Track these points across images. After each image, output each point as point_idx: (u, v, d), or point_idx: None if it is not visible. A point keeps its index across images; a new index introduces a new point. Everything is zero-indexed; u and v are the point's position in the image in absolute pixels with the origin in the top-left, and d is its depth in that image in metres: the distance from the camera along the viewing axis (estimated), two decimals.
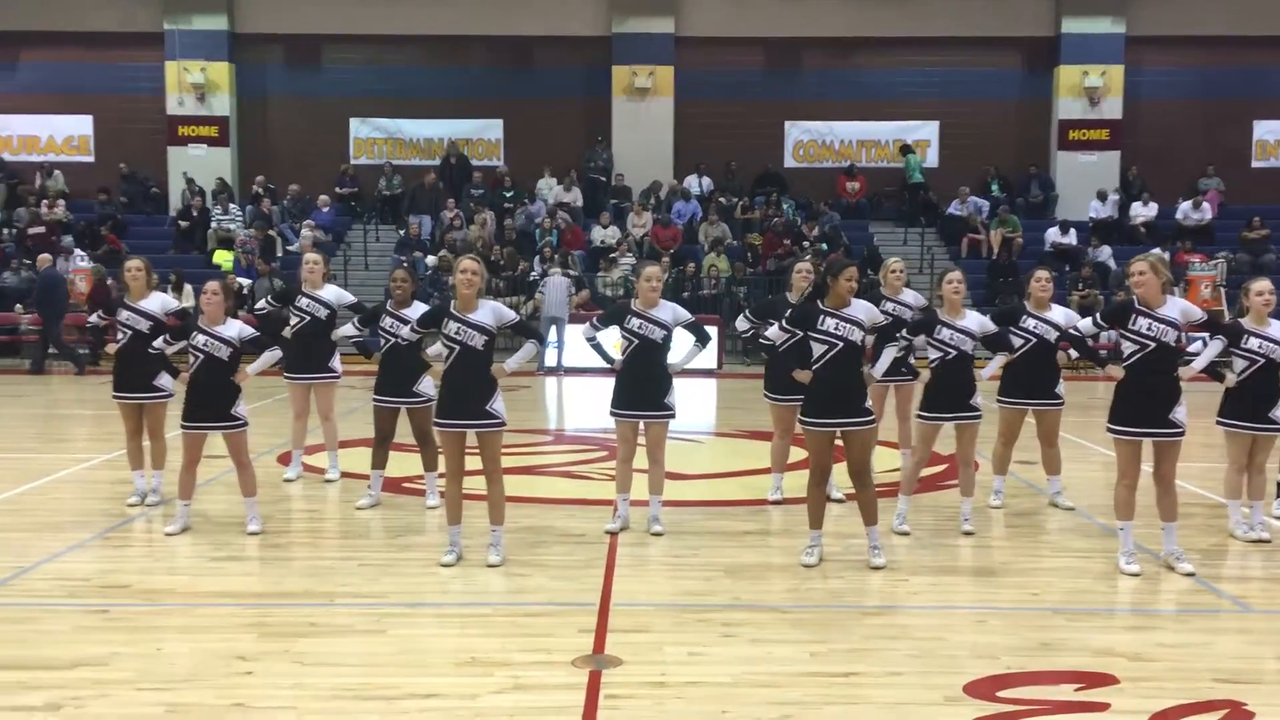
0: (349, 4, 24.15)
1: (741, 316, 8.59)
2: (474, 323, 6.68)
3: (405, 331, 8.05)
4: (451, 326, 6.69)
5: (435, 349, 7.00)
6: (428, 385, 8.20)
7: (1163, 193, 23.65)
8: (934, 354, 7.65)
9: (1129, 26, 24.18)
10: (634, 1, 24.35)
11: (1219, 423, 7.52)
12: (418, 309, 8.14)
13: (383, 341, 8.33)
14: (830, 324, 6.66)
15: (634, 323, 7.51)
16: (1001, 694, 4.89)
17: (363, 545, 7.51)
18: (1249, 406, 7.32)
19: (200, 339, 7.45)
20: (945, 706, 4.78)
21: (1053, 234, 22.77)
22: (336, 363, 9.18)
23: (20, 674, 5.06)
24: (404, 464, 9.31)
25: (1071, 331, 7.47)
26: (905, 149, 24.43)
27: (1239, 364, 7.36)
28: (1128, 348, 6.62)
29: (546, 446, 11.82)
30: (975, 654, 5.37)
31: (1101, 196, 23.62)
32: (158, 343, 7.87)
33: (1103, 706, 4.74)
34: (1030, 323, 8.08)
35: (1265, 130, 24.90)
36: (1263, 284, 7.42)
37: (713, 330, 19.11)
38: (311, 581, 6.63)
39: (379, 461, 8.45)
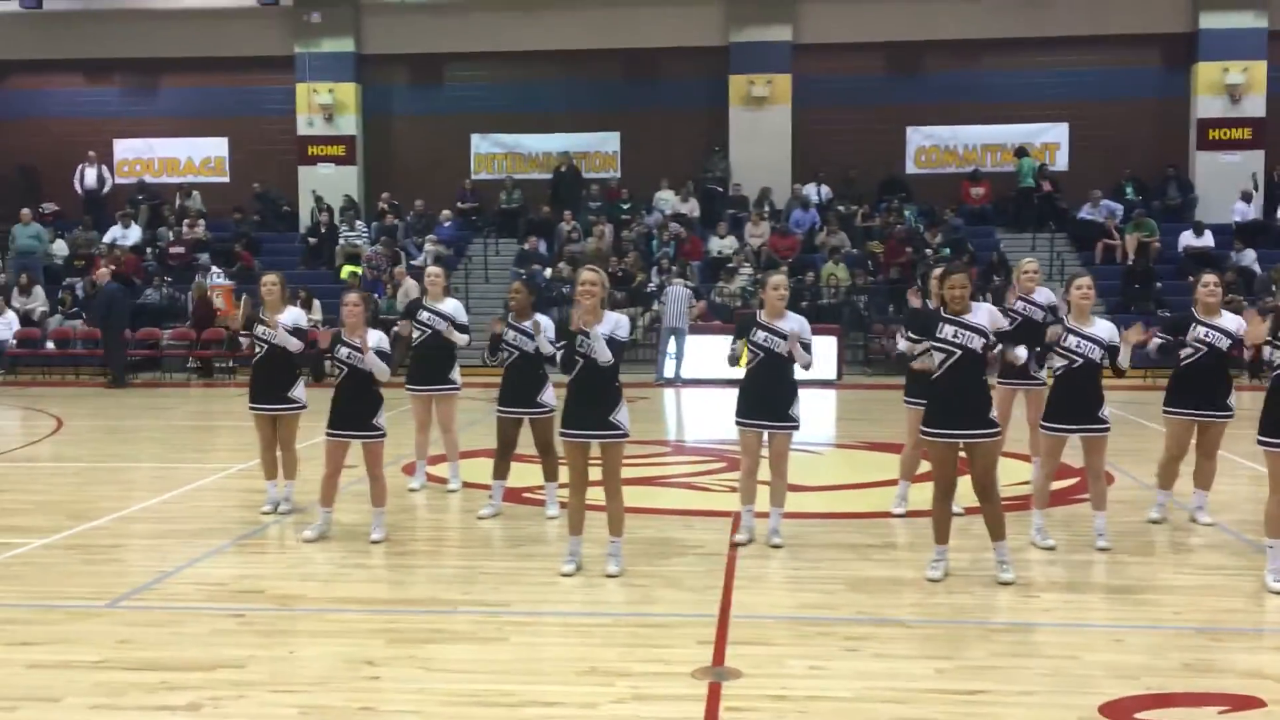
0: (468, 23, 24.64)
1: (900, 338, 8.25)
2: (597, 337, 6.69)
3: (529, 344, 8.13)
4: (576, 340, 6.73)
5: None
6: (550, 395, 8.28)
7: None
8: (1059, 362, 7.38)
9: (1271, 21, 23.07)
10: (752, 11, 24.27)
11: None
12: (537, 319, 8.23)
13: (505, 354, 8.42)
14: (949, 331, 6.49)
15: (760, 335, 7.44)
16: (1140, 715, 4.68)
17: (485, 554, 7.61)
18: None
19: (343, 350, 7.66)
20: None
21: (1187, 237, 21.86)
22: (457, 374, 9.34)
23: (164, 674, 5.26)
24: (525, 474, 9.41)
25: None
26: (1020, 151, 23.76)
27: None
28: None
29: (666, 457, 11.82)
30: (1112, 674, 5.16)
31: (1246, 197, 22.58)
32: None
33: None
34: (1200, 330, 7.73)
35: None
36: None
37: (831, 340, 18.92)
38: (436, 589, 6.75)
39: (501, 472, 8.55)
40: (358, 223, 23.91)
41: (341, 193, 24.76)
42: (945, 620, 6.04)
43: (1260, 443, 6.37)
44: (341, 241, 23.54)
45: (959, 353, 6.50)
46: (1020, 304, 8.64)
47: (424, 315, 9.21)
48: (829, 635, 5.76)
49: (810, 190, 24.10)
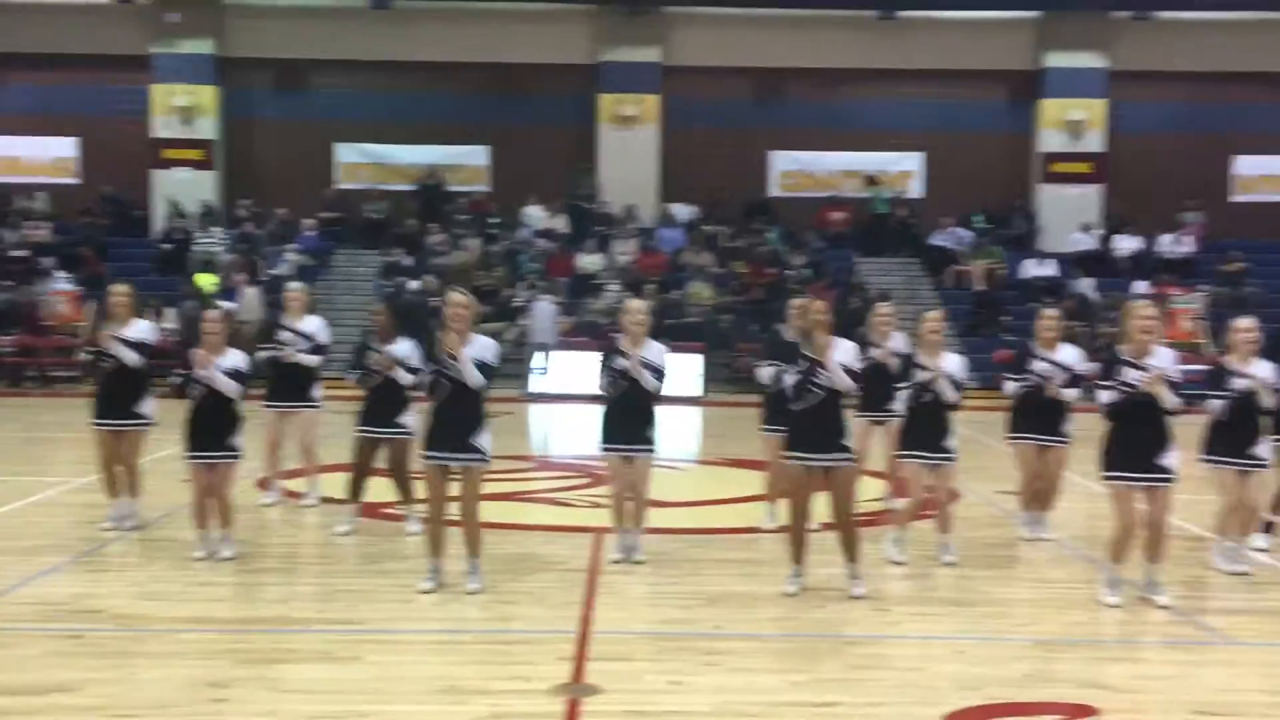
0: (336, 30, 24.21)
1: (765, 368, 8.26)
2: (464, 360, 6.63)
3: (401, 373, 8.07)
4: (445, 364, 6.65)
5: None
6: (410, 419, 8.19)
7: (1145, 225, 23.82)
8: (910, 396, 7.65)
9: (1111, 61, 24.42)
10: (621, 31, 24.49)
11: (1202, 460, 7.50)
12: (403, 345, 8.16)
13: (368, 378, 8.29)
14: (816, 372, 6.66)
15: (620, 363, 7.46)
16: None
17: (340, 571, 7.45)
18: (1232, 443, 7.29)
19: (201, 371, 7.41)
20: None
21: (1029, 265, 22.91)
22: (317, 391, 9.15)
23: None
24: (384, 490, 9.24)
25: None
26: (870, 180, 24.57)
27: (1215, 406, 7.29)
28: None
29: (530, 473, 11.77)
30: (957, 685, 5.34)
31: (1085, 228, 23.78)
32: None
33: None
34: (1039, 365, 8.06)
35: (1245, 165, 25.14)
36: (1247, 322, 7.40)
37: (696, 358, 19.17)
38: (288, 608, 6.57)
39: (357, 492, 8.41)
40: (215, 230, 23.17)
41: (198, 198, 23.97)
42: (801, 634, 6.17)
43: (1103, 475, 6.65)
44: (197, 249, 22.78)
45: (824, 393, 6.64)
46: (876, 351, 8.80)
47: (284, 336, 8.99)
48: (689, 650, 5.81)
49: (678, 210, 24.40)
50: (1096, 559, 7.84)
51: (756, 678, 5.43)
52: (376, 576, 7.25)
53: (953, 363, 7.61)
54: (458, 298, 6.71)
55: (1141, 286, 21.14)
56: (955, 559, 7.59)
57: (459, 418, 6.64)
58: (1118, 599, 6.67)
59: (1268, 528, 8.14)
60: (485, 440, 6.70)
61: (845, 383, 6.66)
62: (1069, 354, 8.12)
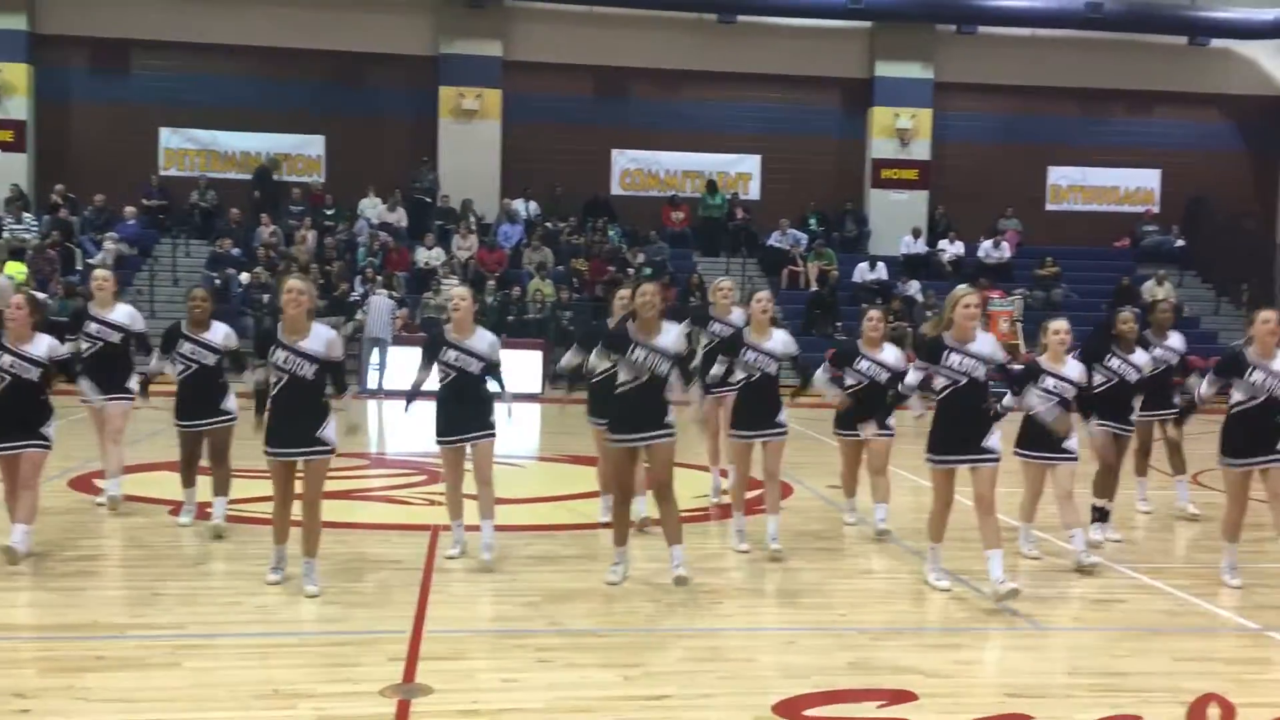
0: (160, 9, 23.11)
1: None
2: (304, 351, 6.45)
3: (209, 357, 7.84)
4: (279, 355, 6.45)
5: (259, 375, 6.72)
6: (232, 403, 7.97)
7: (967, 231, 24.93)
8: (740, 376, 7.80)
9: (936, 73, 25.46)
10: (462, 24, 24.21)
11: (1016, 453, 7.84)
12: (218, 330, 7.94)
13: (181, 368, 7.99)
14: (639, 355, 6.70)
15: (450, 355, 7.36)
16: (808, 713, 4.99)
17: (159, 574, 7.11)
18: (1044, 438, 7.62)
19: (5, 359, 6.97)
20: None
21: (862, 269, 23.69)
22: (134, 384, 8.70)
23: None
24: (207, 489, 8.89)
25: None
26: (710, 187, 24.99)
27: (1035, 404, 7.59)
28: (940, 381, 6.82)
29: (365, 470, 11.52)
30: (784, 674, 5.48)
31: (916, 234, 24.72)
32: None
33: None
34: (863, 364, 8.31)
35: (1058, 175, 26.60)
36: (1059, 323, 7.79)
37: (536, 355, 19.11)
38: (100, 613, 6.25)
39: (189, 479, 8.21)
40: (25, 215, 21.86)
41: (8, 182, 22.56)
42: (634, 629, 6.22)
43: (928, 459, 6.90)
44: (6, 235, 21.44)
45: (646, 377, 6.69)
46: (718, 325, 8.98)
47: (92, 328, 8.52)
48: (523, 647, 5.79)
49: (519, 205, 24.28)
50: (920, 550, 8.16)
51: (589, 673, 5.44)
52: (197, 579, 6.98)
53: (781, 339, 7.80)
54: (294, 283, 6.52)
55: (963, 289, 22.09)
56: (779, 546, 7.72)
57: (301, 411, 6.46)
58: (947, 583, 6.93)
59: (1101, 515, 8.56)
60: (330, 432, 6.56)
61: (664, 365, 6.69)
62: (891, 354, 8.41)
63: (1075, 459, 7.71)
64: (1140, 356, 8.50)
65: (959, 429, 6.73)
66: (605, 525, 8.53)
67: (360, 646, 5.73)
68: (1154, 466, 9.75)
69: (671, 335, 6.81)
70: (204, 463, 8.24)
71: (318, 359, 6.50)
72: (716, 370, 8.04)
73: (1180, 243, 25.72)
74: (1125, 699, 5.25)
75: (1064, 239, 25.50)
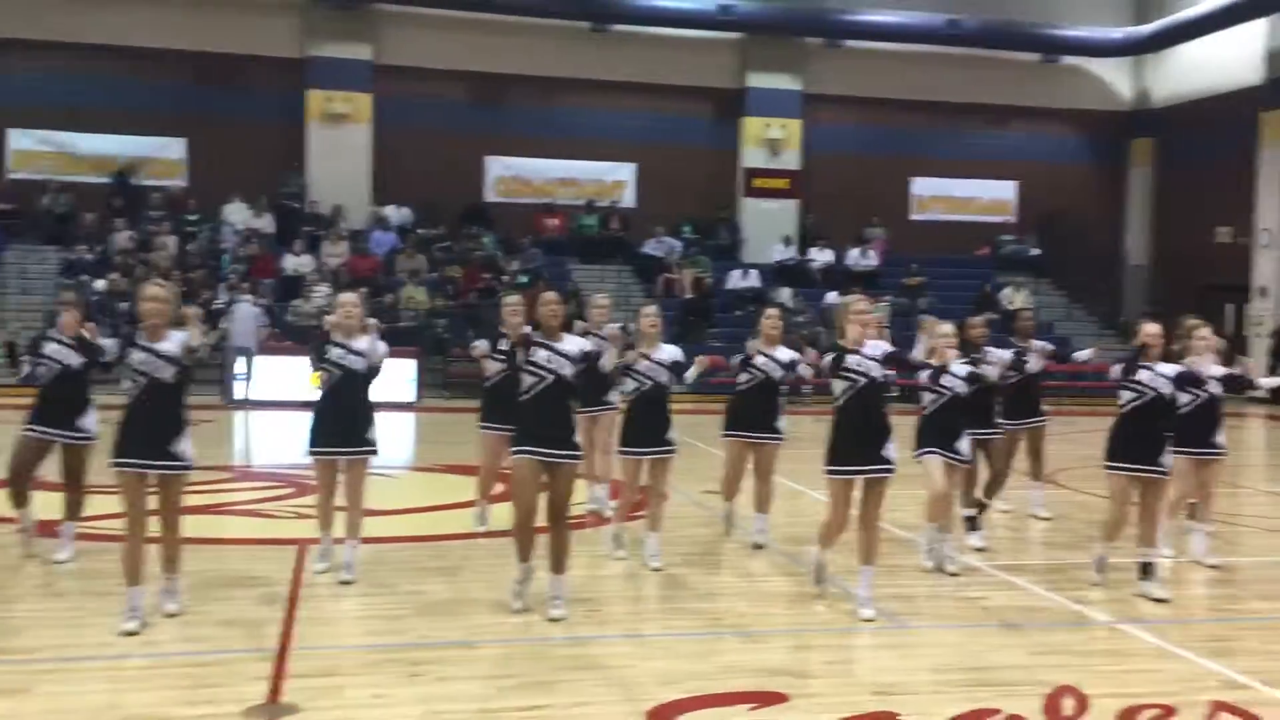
0: (9, 5, 22.08)
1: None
2: (163, 353, 6.14)
3: (73, 359, 7.40)
4: (137, 356, 6.12)
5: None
6: (92, 421, 7.55)
7: (836, 240, 25.52)
8: (631, 385, 7.78)
9: (805, 84, 26.03)
10: (330, 26, 23.74)
11: (916, 456, 7.89)
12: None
13: (42, 370, 7.58)
14: (542, 355, 6.59)
15: (335, 352, 7.20)
16: (681, 718, 5.02)
17: (8, 597, 6.77)
18: (938, 435, 7.76)
19: None
20: None
21: (735, 277, 24.03)
22: None
23: None
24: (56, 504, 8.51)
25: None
26: (589, 205, 25.06)
27: (929, 396, 7.80)
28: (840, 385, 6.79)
29: (229, 484, 11.17)
30: (660, 680, 5.50)
31: (786, 242, 25.18)
32: None
33: None
34: (759, 360, 8.26)
35: (921, 186, 27.46)
36: (946, 327, 7.92)
37: (411, 363, 18.83)
38: None
39: (22, 499, 7.64)
40: None
41: None
42: (508, 639, 6.17)
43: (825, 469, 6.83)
44: None
45: (551, 378, 6.51)
46: (594, 338, 8.95)
47: None
48: (394, 662, 5.68)
49: (390, 212, 23.91)
50: (795, 554, 8.30)
51: (462, 686, 5.38)
52: (50, 599, 6.67)
53: (670, 352, 7.82)
54: (153, 290, 6.23)
55: (832, 296, 22.61)
56: (660, 565, 7.73)
57: (154, 422, 6.12)
58: (823, 586, 7.02)
59: (972, 520, 8.75)
60: (186, 446, 6.19)
61: (572, 370, 6.55)
62: (785, 354, 8.44)
63: (969, 461, 7.93)
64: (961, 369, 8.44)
65: (859, 438, 6.67)
66: (481, 535, 8.46)
67: (222, 667, 5.55)
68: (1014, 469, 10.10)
69: (575, 342, 6.67)
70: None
71: (178, 361, 6.22)
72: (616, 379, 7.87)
73: (1035, 252, 26.80)
74: (985, 693, 5.43)
75: (927, 248, 26.33)
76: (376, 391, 7.35)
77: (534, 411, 6.52)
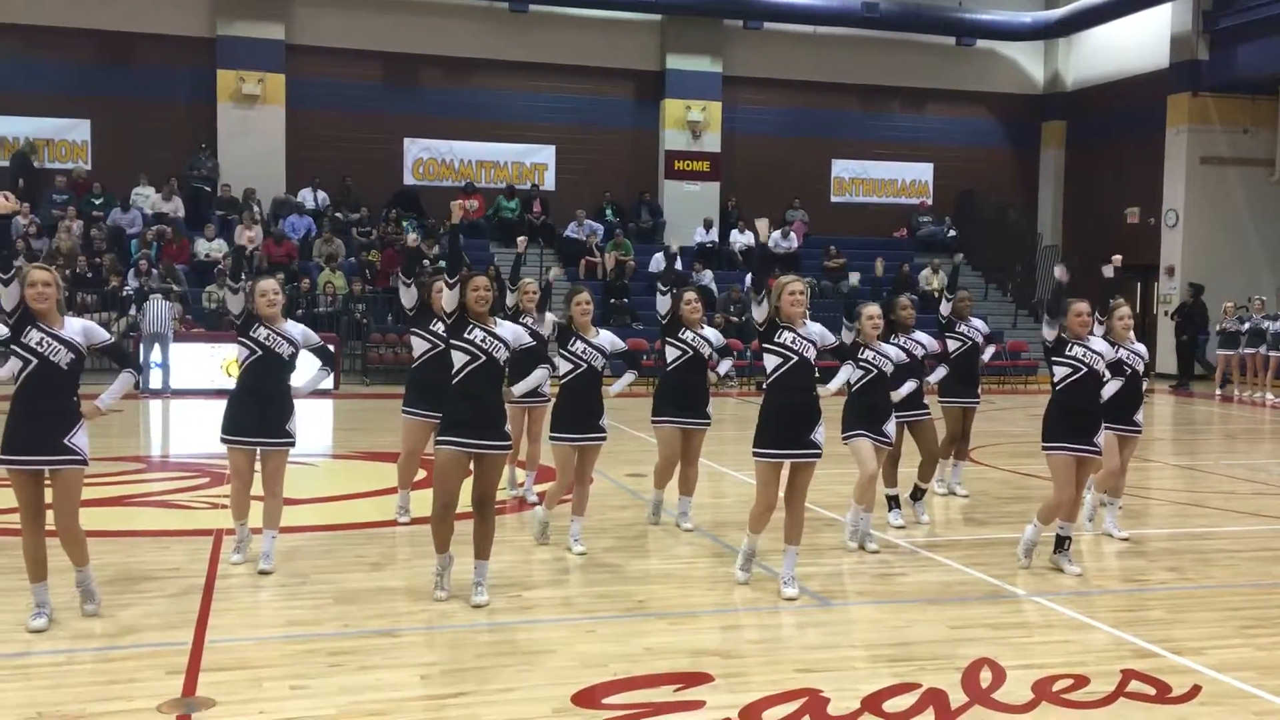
0: None
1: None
2: (61, 337, 5.83)
3: None
4: (34, 336, 5.78)
5: (7, 368, 6.07)
6: None
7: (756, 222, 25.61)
8: (566, 367, 7.71)
9: (725, 66, 26.08)
10: (241, 5, 23.17)
11: (845, 439, 7.96)
12: None
13: None
14: (478, 335, 6.46)
15: (261, 332, 7.01)
16: (606, 700, 5.01)
17: None
18: (866, 417, 7.84)
19: None
20: (553, 718, 4.83)
21: (657, 259, 24.00)
22: None
23: None
24: None
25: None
26: (510, 191, 24.77)
27: (856, 374, 7.81)
28: (772, 361, 6.75)
29: (140, 474, 10.89)
30: (584, 664, 5.48)
31: (707, 224, 25.25)
32: None
33: (699, 704, 4.99)
34: (688, 335, 8.20)
35: (841, 168, 27.72)
36: (872, 308, 7.98)
37: (328, 349, 18.49)
38: None
39: None
40: None
41: None
42: (430, 627, 6.10)
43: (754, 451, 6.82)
44: None
45: (482, 358, 6.36)
46: (527, 320, 8.84)
47: None
48: (313, 652, 5.58)
49: (306, 195, 23.46)
50: (718, 537, 8.34)
51: (384, 674, 5.30)
52: None
53: (607, 337, 7.80)
54: (38, 274, 5.84)
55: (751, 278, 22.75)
56: (584, 549, 7.72)
57: (47, 413, 5.80)
58: (746, 576, 6.95)
59: (908, 496, 8.90)
60: (81, 438, 5.89)
61: (502, 352, 6.43)
62: (712, 333, 8.42)
63: (891, 443, 8.04)
64: (891, 350, 8.27)
65: (790, 421, 6.63)
66: (402, 524, 8.36)
67: (136, 661, 5.40)
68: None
69: (508, 331, 6.51)
70: None
71: (76, 347, 5.89)
72: (539, 374, 7.76)
73: (952, 233, 27.23)
74: (906, 668, 5.50)
75: (847, 229, 26.62)
76: (293, 378, 7.20)
77: (463, 396, 6.39)
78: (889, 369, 7.95)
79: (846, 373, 7.56)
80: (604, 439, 7.78)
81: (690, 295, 8.42)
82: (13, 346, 5.84)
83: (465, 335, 6.39)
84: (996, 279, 26.91)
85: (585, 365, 7.66)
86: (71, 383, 5.91)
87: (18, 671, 5.26)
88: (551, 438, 7.75)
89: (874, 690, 5.17)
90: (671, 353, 8.29)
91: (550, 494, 7.95)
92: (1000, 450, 13.15)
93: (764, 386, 6.92)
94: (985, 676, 5.40)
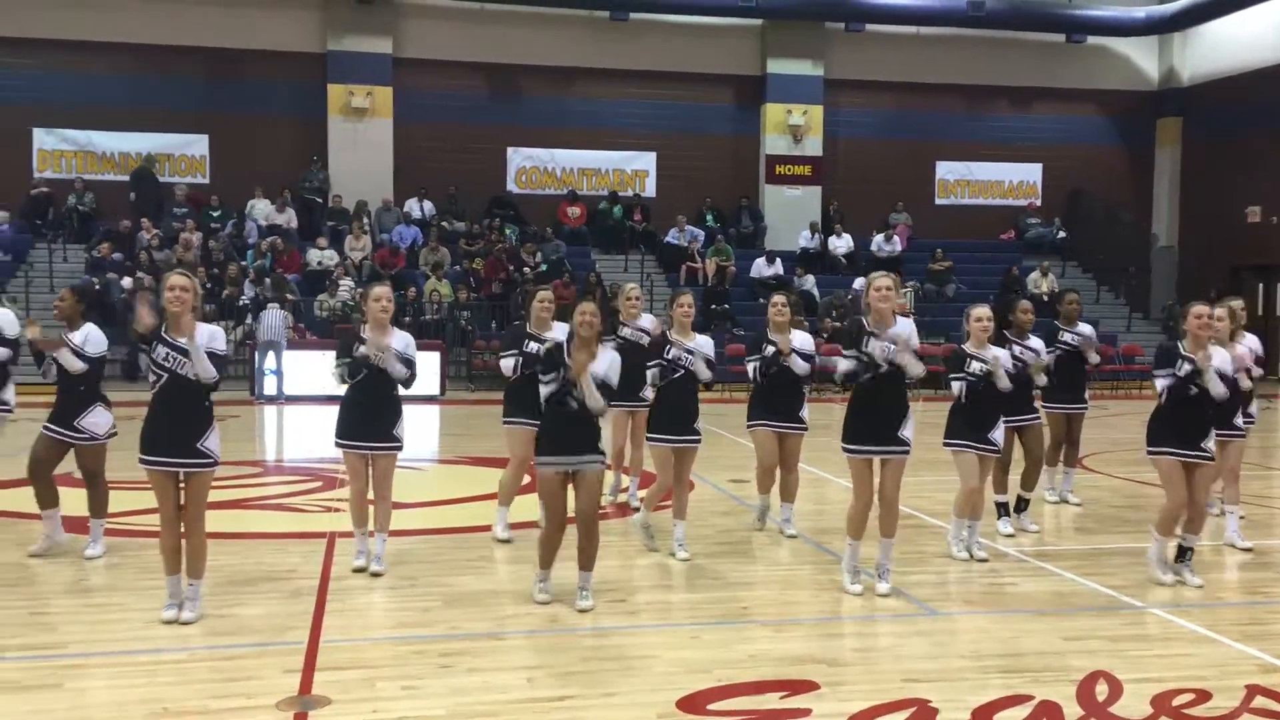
0: (30, 5, 22.23)
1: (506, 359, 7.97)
2: (182, 347, 6.04)
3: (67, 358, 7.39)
4: (160, 351, 6.06)
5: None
6: (95, 420, 7.50)
7: (859, 226, 25.37)
8: (667, 373, 7.72)
9: (827, 69, 25.87)
10: (351, 20, 23.79)
11: (946, 444, 7.81)
12: (89, 331, 7.51)
13: (47, 368, 7.61)
14: (533, 347, 6.51)
15: (363, 350, 7.19)
16: (711, 706, 5.01)
17: (35, 593, 6.82)
18: (971, 424, 7.63)
19: None
20: None
21: (759, 265, 23.94)
22: (9, 394, 8.27)
23: None
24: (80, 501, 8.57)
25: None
26: (613, 196, 25.04)
27: (956, 386, 7.63)
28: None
29: (258, 478, 11.23)
30: (688, 669, 5.48)
31: (813, 229, 25.05)
32: None
33: (805, 712, 4.95)
34: (770, 348, 8.18)
35: (945, 170, 27.25)
36: (981, 310, 7.76)
37: (435, 356, 18.87)
38: None
39: (49, 500, 7.64)
40: None
41: None
42: (536, 630, 6.17)
43: (844, 446, 6.83)
44: None
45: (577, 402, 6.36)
46: (627, 330, 8.95)
47: None
48: (424, 653, 5.70)
49: (413, 205, 23.97)
50: (821, 544, 8.27)
51: (492, 676, 5.38)
52: (78, 596, 6.71)
53: (703, 342, 7.80)
54: (176, 279, 6.11)
55: (859, 283, 22.50)
56: (688, 555, 7.70)
57: (181, 418, 6.06)
58: (859, 588, 6.82)
59: (1011, 507, 8.67)
60: (213, 442, 6.14)
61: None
62: (801, 339, 8.37)
63: (999, 451, 7.79)
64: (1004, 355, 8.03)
65: (877, 418, 6.65)
66: (501, 542, 8.32)
67: (255, 660, 5.58)
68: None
69: (604, 361, 6.46)
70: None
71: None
72: (652, 374, 7.79)
73: (1062, 235, 26.58)
74: (1017, 679, 5.38)
75: (952, 232, 26.15)
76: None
77: (559, 418, 6.44)
78: (1003, 378, 7.68)
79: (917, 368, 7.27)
80: (698, 442, 7.79)
81: (777, 299, 8.34)
82: (150, 359, 6.10)
83: (525, 349, 6.39)
84: (1109, 281, 26.17)
85: (683, 370, 7.67)
86: (203, 390, 6.13)
87: (144, 669, 5.47)
88: (649, 439, 7.84)
89: (984, 702, 5.07)
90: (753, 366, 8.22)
91: (649, 495, 8.00)
92: (1112, 458, 12.77)
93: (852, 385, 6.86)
94: (1101, 689, 5.25)
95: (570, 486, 6.51)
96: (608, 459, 7.42)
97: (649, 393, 8.10)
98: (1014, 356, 8.18)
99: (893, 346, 6.59)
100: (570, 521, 6.53)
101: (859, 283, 22.14)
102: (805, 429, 8.34)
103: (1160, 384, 7.22)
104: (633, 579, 7.27)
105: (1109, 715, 4.98)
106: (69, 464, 7.74)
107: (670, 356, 7.69)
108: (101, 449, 7.60)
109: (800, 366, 8.11)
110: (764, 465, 8.42)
